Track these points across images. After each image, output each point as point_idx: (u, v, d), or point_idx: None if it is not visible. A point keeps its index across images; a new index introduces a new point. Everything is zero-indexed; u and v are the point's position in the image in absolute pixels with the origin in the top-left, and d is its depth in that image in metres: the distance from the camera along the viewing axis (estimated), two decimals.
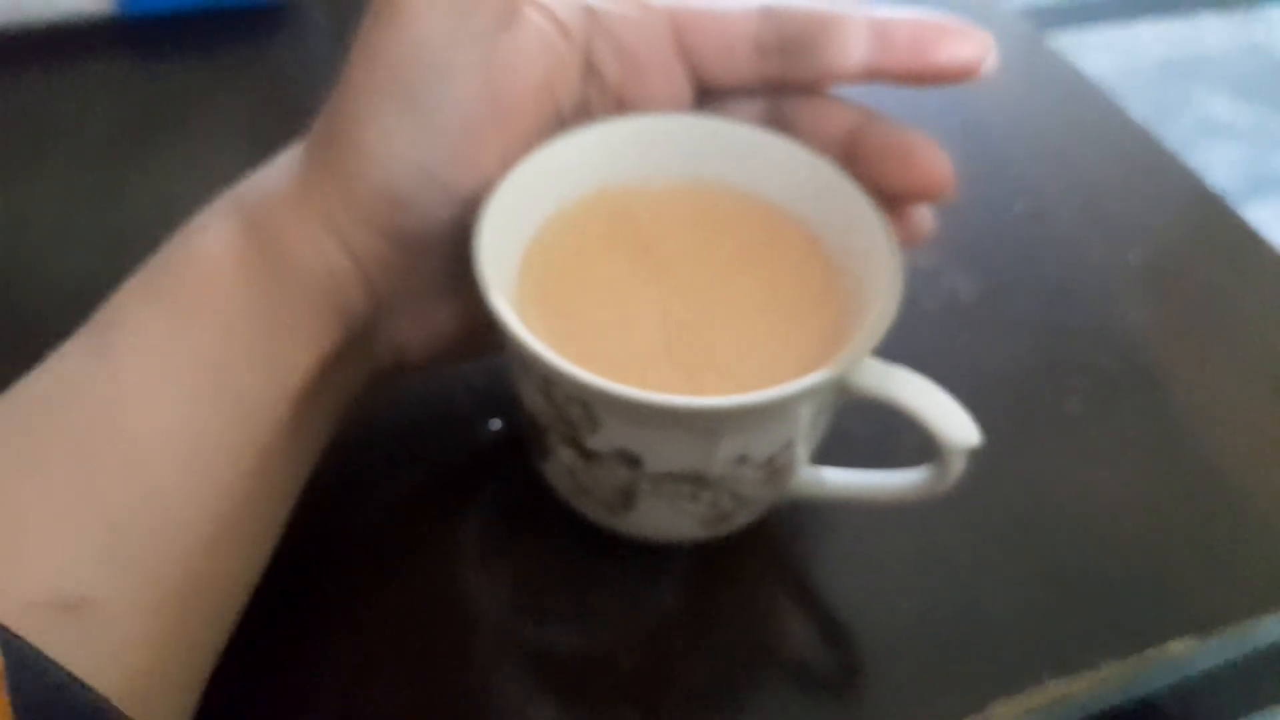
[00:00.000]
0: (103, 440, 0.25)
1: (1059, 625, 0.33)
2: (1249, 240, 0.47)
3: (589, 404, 0.27)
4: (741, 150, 0.33)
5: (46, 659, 0.22)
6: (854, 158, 0.32)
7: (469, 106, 0.29)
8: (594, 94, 0.33)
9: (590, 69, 0.32)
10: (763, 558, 0.34)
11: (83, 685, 0.22)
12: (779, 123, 0.33)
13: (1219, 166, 1.80)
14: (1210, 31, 2.15)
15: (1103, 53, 2.06)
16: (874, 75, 0.31)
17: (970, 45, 0.30)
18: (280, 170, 0.30)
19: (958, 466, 0.29)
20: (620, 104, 0.33)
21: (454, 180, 0.29)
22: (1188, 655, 0.33)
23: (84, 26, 0.55)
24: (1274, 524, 0.36)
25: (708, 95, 0.34)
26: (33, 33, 0.55)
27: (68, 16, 0.55)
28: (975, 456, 0.28)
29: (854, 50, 0.30)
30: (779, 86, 0.33)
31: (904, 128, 0.31)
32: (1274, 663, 0.47)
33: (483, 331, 0.34)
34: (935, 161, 0.31)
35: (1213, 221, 0.48)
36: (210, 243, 0.29)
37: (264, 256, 0.29)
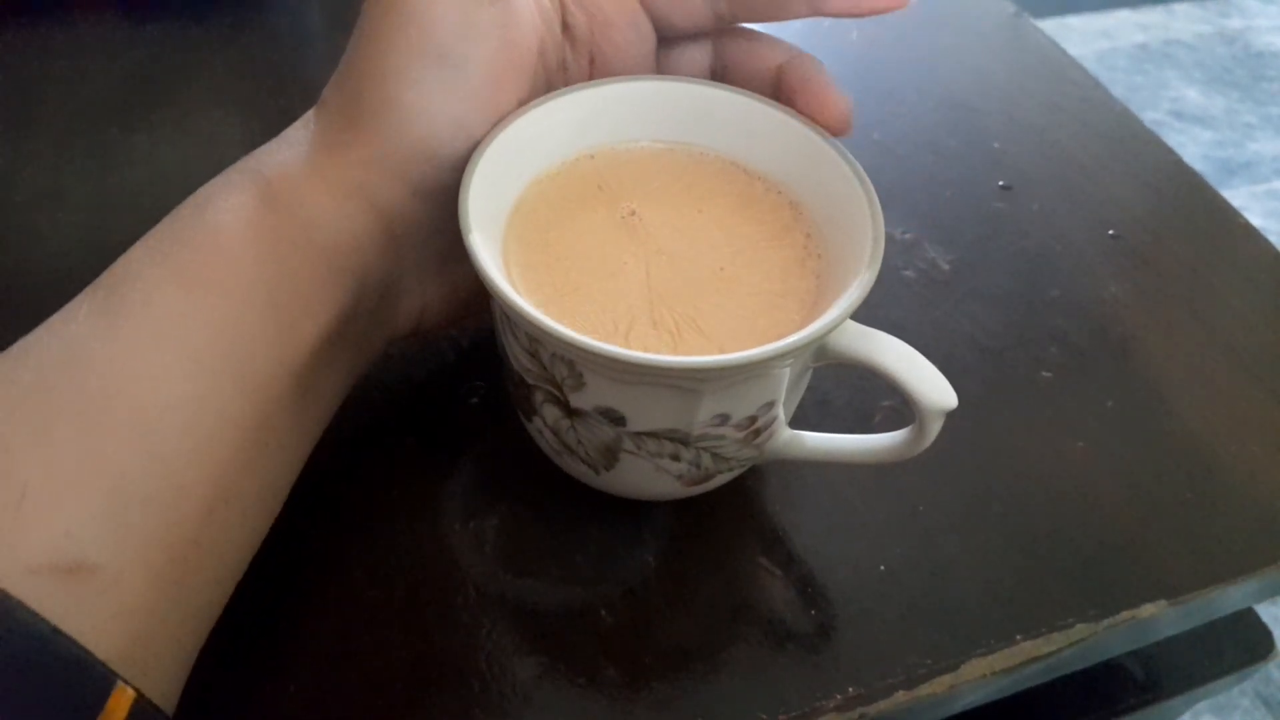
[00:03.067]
0: (109, 406, 0.25)
1: (1031, 588, 0.34)
2: (1224, 216, 0.48)
3: (574, 362, 0.27)
4: (728, 116, 0.33)
5: (31, 612, 0.22)
6: (778, 90, 0.34)
7: (492, 61, 0.30)
8: (568, 48, 0.34)
9: (565, 29, 0.34)
10: (742, 517, 0.35)
11: (67, 638, 0.23)
12: (721, 63, 0.35)
13: (1190, 152, 1.82)
14: (1185, 20, 2.16)
15: (1081, 39, 2.07)
16: (814, 14, 0.33)
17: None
18: (295, 143, 0.31)
19: (934, 429, 0.29)
20: (591, 57, 0.34)
21: (481, 131, 0.31)
22: (1156, 619, 0.34)
23: None
24: (1242, 494, 0.37)
25: (661, 42, 0.35)
26: None
27: None
28: (951, 421, 0.29)
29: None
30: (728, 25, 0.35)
31: (818, 66, 0.33)
32: (1239, 629, 0.48)
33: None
34: (832, 96, 0.33)
35: (1187, 197, 0.49)
36: (225, 215, 0.29)
37: (281, 229, 0.29)
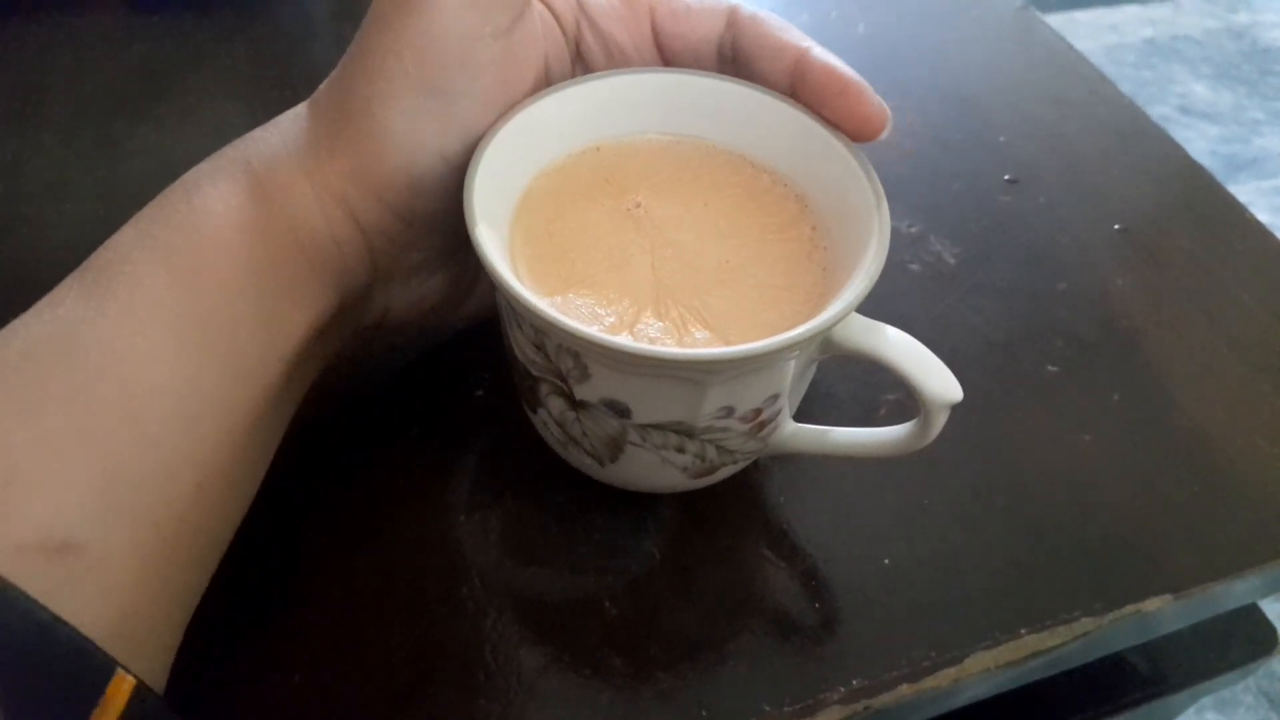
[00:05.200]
0: (99, 389, 0.25)
1: (1036, 581, 0.34)
2: (1230, 211, 0.48)
3: (579, 354, 0.27)
4: (735, 109, 0.33)
5: (30, 599, 0.22)
6: (794, 90, 0.33)
7: (485, 95, 0.30)
8: (579, 71, 0.34)
9: (578, 57, 0.34)
10: (747, 509, 0.35)
11: (66, 625, 0.23)
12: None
13: (1197, 147, 1.81)
14: (1193, 15, 2.15)
15: (1088, 33, 2.06)
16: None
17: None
18: (287, 136, 0.31)
19: (939, 422, 0.29)
20: None
21: (466, 162, 0.30)
22: (1161, 613, 0.34)
23: None
24: (1247, 488, 0.37)
25: None
26: None
27: None
28: (956, 415, 0.29)
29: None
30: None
31: (841, 68, 0.32)
32: (1243, 625, 0.48)
33: (462, 297, 0.35)
34: (868, 101, 0.32)
35: (1195, 192, 0.49)
36: (216, 203, 0.29)
37: (271, 222, 0.29)
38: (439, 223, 0.31)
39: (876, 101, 0.32)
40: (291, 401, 0.31)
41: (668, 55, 0.34)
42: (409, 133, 0.29)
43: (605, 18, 0.33)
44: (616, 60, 0.34)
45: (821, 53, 0.32)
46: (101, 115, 0.48)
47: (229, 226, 0.28)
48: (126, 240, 0.28)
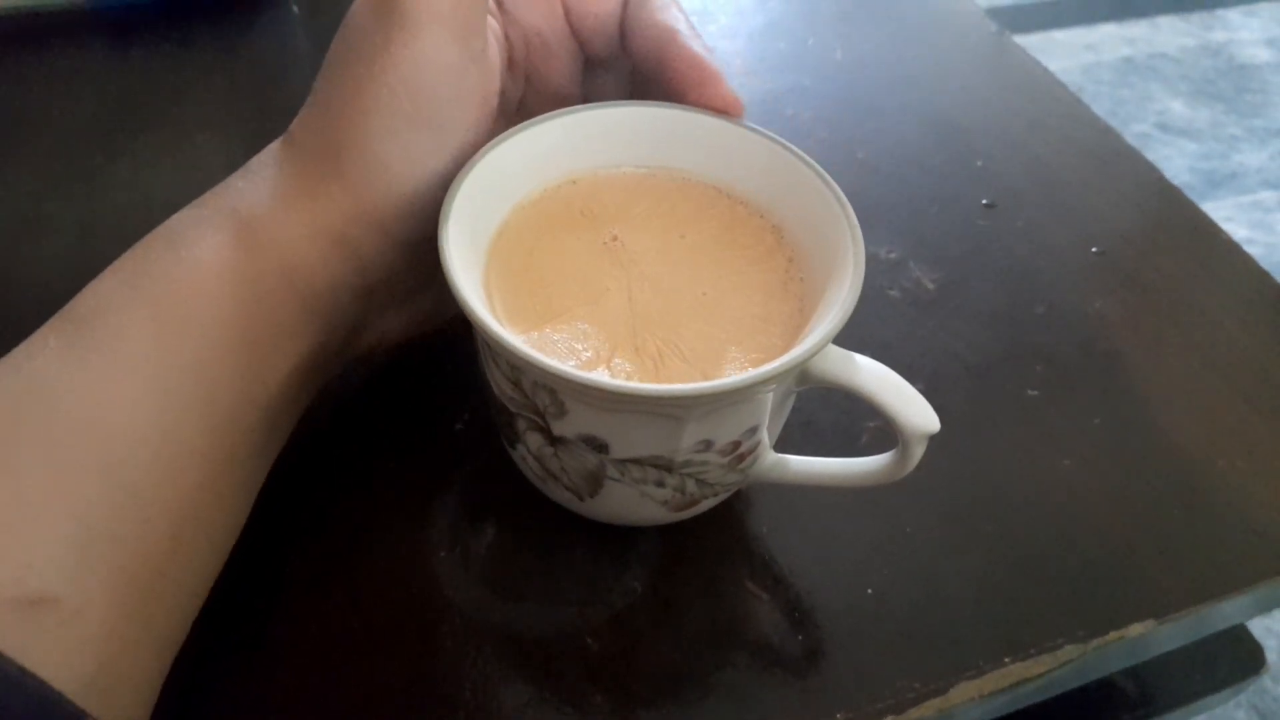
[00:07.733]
0: (77, 440, 0.25)
1: (1019, 608, 0.34)
2: (1206, 232, 0.48)
3: (556, 391, 0.27)
4: (709, 141, 0.33)
5: None
6: (660, 75, 0.34)
7: (475, 117, 0.31)
8: (507, 77, 0.35)
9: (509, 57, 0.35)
10: (728, 541, 0.35)
11: (34, 677, 0.22)
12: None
13: (1176, 164, 1.82)
14: (1170, 33, 2.17)
15: (1066, 52, 2.08)
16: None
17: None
18: (272, 182, 0.31)
19: (918, 453, 0.29)
20: (527, 77, 0.35)
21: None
22: (1145, 638, 0.34)
23: (58, 16, 0.55)
24: (1230, 509, 0.37)
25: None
26: (5, 22, 0.54)
27: (42, 5, 0.55)
28: (937, 441, 0.29)
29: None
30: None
31: (703, 58, 0.33)
32: (1229, 645, 0.48)
33: (450, 303, 0.35)
34: (722, 91, 0.33)
35: (1171, 214, 0.49)
36: (201, 253, 0.29)
37: (261, 270, 0.29)
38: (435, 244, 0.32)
39: (729, 90, 0.33)
40: (273, 447, 0.31)
41: (579, 34, 0.35)
42: (409, 164, 0.30)
43: (526, 12, 0.34)
44: (535, 47, 0.34)
45: (689, 39, 0.33)
46: (80, 150, 0.48)
47: (216, 277, 0.28)
48: (108, 289, 0.28)
